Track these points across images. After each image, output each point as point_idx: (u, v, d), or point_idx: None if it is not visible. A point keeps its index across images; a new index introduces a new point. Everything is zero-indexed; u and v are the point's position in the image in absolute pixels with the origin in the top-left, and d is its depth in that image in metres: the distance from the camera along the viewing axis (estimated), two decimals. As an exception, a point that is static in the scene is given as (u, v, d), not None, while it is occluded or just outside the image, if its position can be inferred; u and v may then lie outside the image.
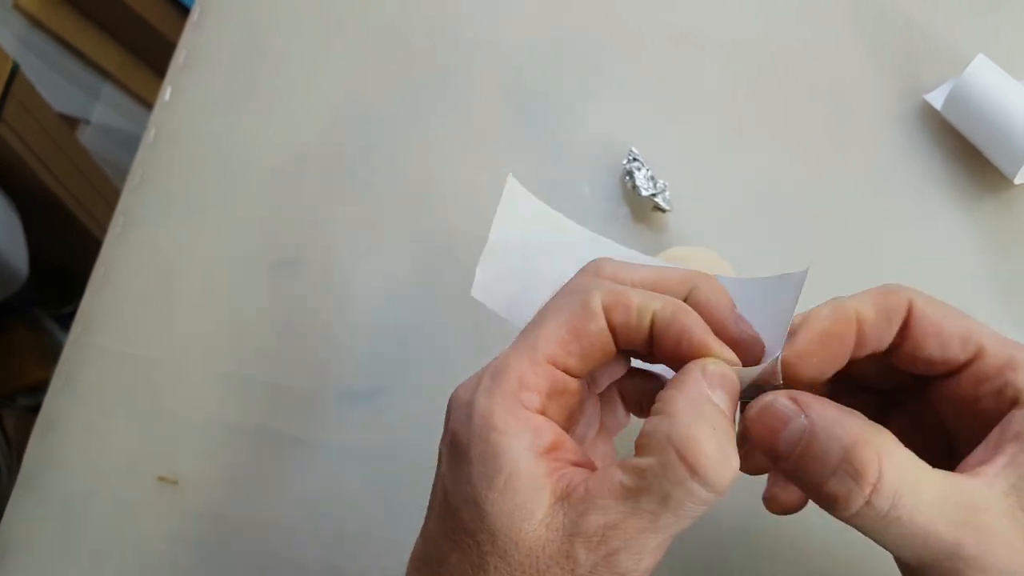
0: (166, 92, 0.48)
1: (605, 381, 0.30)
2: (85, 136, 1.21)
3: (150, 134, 0.47)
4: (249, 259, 0.45)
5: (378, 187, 0.46)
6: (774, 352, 0.27)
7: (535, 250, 0.33)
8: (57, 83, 1.18)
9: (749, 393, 0.27)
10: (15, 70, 0.97)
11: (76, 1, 1.16)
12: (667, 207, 0.44)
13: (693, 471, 0.23)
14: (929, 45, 0.48)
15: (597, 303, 0.26)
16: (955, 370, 0.27)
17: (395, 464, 0.41)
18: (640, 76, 0.48)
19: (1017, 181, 0.45)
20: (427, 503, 0.29)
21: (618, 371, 0.30)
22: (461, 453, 0.25)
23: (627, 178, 0.45)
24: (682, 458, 0.23)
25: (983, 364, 0.26)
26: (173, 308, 0.44)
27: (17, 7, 1.10)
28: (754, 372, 0.27)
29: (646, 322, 0.26)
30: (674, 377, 0.26)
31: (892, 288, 0.28)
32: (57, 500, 0.41)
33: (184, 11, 1.20)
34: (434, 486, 0.28)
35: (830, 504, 0.24)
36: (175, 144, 0.47)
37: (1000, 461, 0.24)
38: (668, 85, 0.48)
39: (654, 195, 0.44)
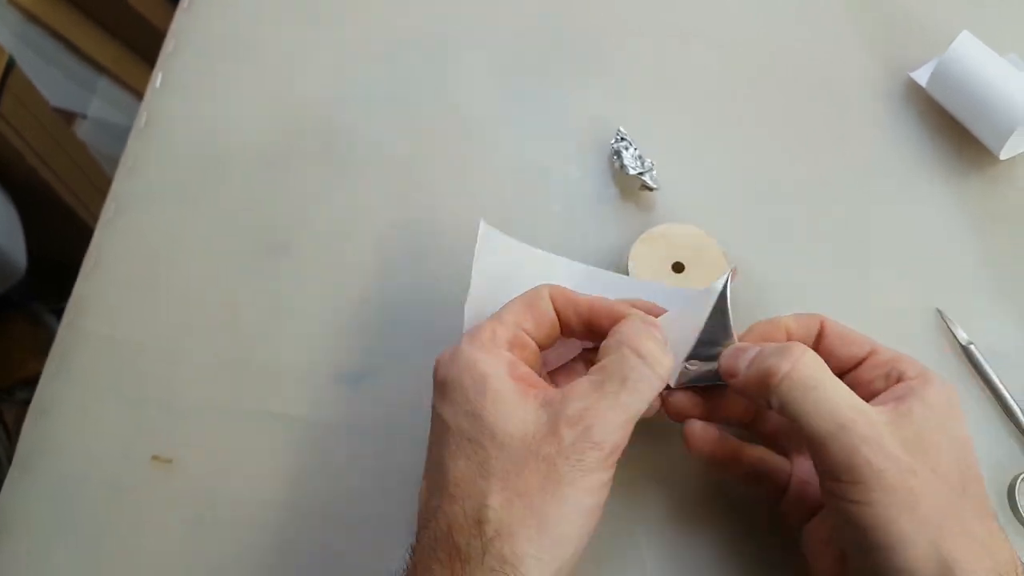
0: (157, 78, 0.49)
1: (555, 362, 0.38)
2: (82, 130, 1.21)
3: (141, 120, 0.48)
4: (239, 243, 0.45)
5: (367, 169, 0.46)
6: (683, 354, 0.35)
7: (513, 285, 0.37)
8: (54, 77, 1.18)
9: (696, 381, 0.36)
10: (11, 64, 0.97)
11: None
12: (654, 185, 0.45)
13: (641, 356, 0.32)
14: (913, 23, 0.49)
15: (545, 292, 0.36)
16: (856, 364, 0.35)
17: (384, 442, 0.41)
18: (627, 58, 0.49)
19: (1002, 156, 0.45)
20: (416, 477, 0.33)
21: (567, 355, 0.38)
22: (455, 386, 0.32)
23: (615, 157, 0.45)
24: (633, 350, 0.32)
25: (876, 358, 0.35)
26: (165, 292, 0.44)
27: (12, 2, 1.10)
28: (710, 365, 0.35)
29: (583, 308, 0.35)
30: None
31: (808, 313, 0.37)
32: (52, 482, 0.41)
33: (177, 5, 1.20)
34: (432, 430, 0.34)
35: (766, 378, 0.32)
36: (166, 130, 0.48)
37: (887, 407, 0.32)
38: (655, 66, 0.49)
39: (641, 174, 0.44)
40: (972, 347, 0.42)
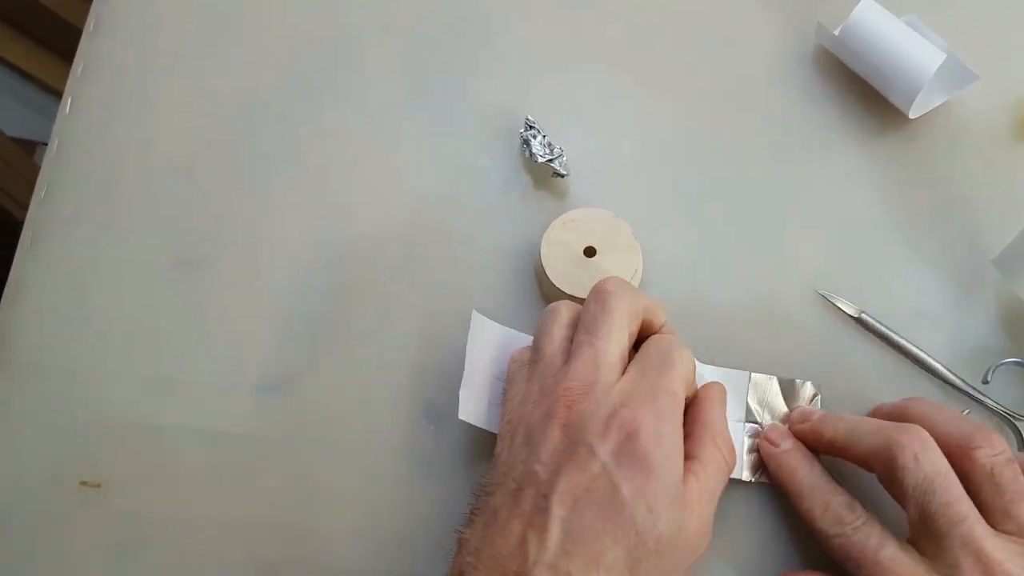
0: (67, 104, 0.49)
1: None
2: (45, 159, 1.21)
3: (53, 146, 0.48)
4: (156, 260, 0.45)
5: (276, 177, 0.46)
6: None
7: (503, 367, 0.39)
8: (9, 107, 1.19)
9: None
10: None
11: (13, 19, 1.16)
12: (564, 172, 0.44)
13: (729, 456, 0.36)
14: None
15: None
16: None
17: (307, 452, 0.41)
18: (529, 44, 0.49)
19: (912, 115, 0.45)
20: (338, 484, 0.39)
21: None
22: (650, 468, 0.33)
23: (524, 146, 0.45)
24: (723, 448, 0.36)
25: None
26: (85, 316, 0.44)
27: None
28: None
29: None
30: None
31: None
32: (-17, 516, 0.41)
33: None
34: (578, 466, 0.33)
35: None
36: (77, 154, 0.47)
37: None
38: (557, 50, 0.49)
39: (551, 160, 0.44)
40: (864, 316, 0.42)
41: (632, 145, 0.46)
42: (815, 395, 0.41)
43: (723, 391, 0.39)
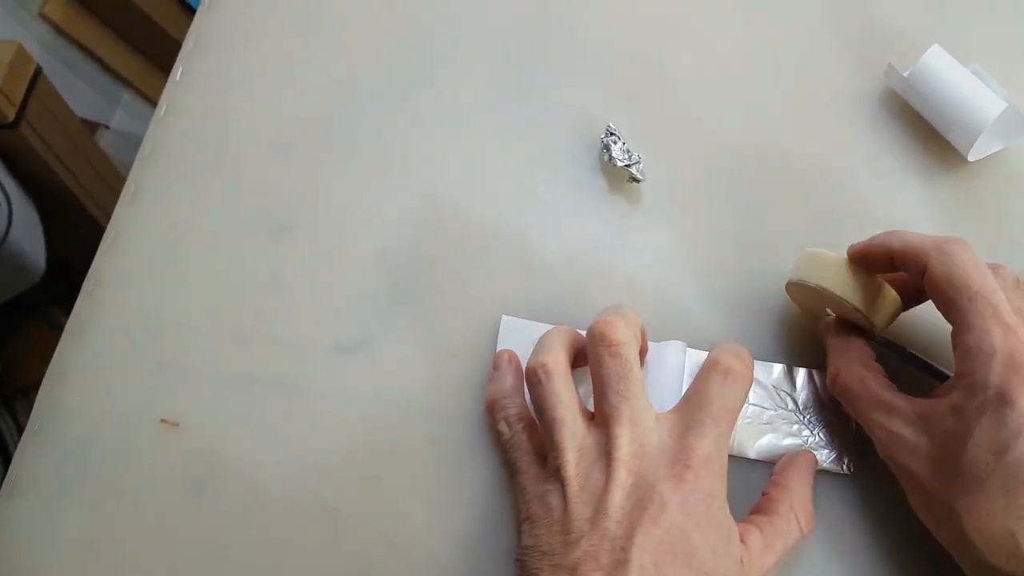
0: (177, 72, 0.52)
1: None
2: (104, 140, 1.26)
3: (161, 109, 0.51)
4: (248, 224, 0.48)
5: (366, 159, 0.49)
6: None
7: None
8: (80, 89, 1.23)
9: None
10: (38, 72, 1.01)
11: (98, 11, 1.21)
12: (641, 177, 0.47)
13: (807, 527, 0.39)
14: (889, 35, 0.52)
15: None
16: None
17: (377, 409, 0.44)
18: (618, 57, 0.52)
19: (970, 158, 0.48)
20: (404, 441, 0.42)
21: None
22: (709, 531, 0.35)
23: (604, 151, 0.48)
24: (802, 520, 0.38)
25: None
26: (178, 267, 0.47)
27: (43, 15, 1.15)
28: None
29: None
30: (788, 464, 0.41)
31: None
32: (64, 443, 0.44)
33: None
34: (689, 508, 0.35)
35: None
36: (183, 119, 0.51)
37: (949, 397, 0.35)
38: (643, 66, 0.52)
39: (628, 166, 0.47)
40: (909, 349, 0.44)
41: (702, 160, 0.49)
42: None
43: (812, 461, 0.41)
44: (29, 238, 1.04)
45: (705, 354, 0.43)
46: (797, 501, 0.38)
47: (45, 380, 0.46)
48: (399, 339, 0.45)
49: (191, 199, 0.49)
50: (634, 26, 0.53)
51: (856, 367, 0.39)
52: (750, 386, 0.39)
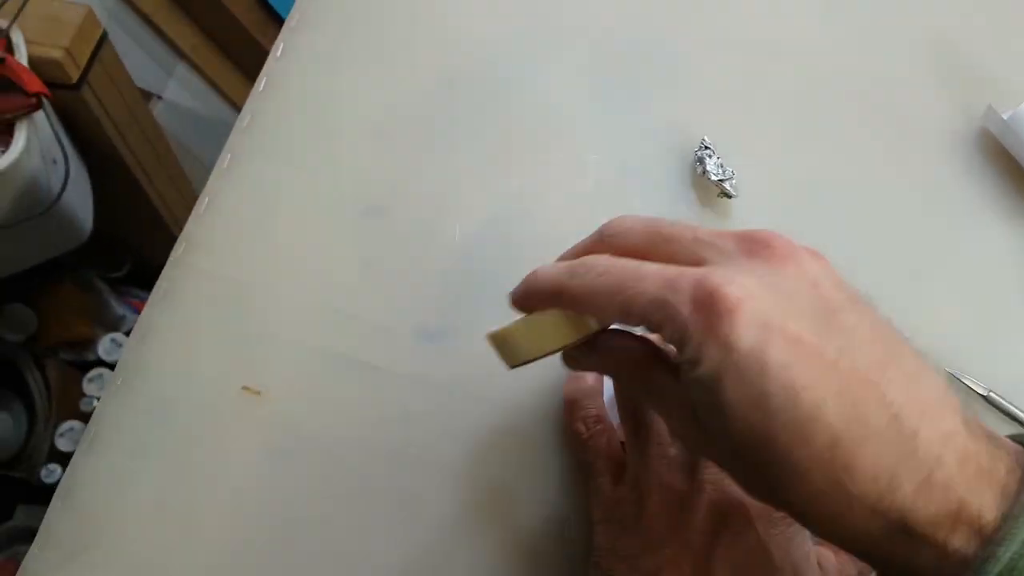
0: (278, 48, 0.53)
1: None
2: (157, 110, 1.27)
3: (260, 84, 0.51)
4: (341, 203, 0.48)
5: (462, 151, 0.50)
6: None
7: None
8: (138, 57, 1.24)
9: None
10: (103, 38, 1.02)
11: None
12: (734, 193, 0.48)
13: None
14: (992, 76, 0.52)
15: None
16: None
17: (457, 397, 0.44)
18: (716, 75, 0.52)
19: (1062, 206, 0.48)
20: (482, 426, 0.40)
21: None
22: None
23: (698, 164, 0.49)
24: None
25: None
26: (269, 240, 0.48)
27: (109, -19, 1.16)
28: None
29: None
30: None
31: None
32: (146, 402, 0.44)
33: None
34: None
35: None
36: (282, 95, 0.51)
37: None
38: (741, 81, 0.52)
39: (722, 180, 0.48)
40: (992, 394, 0.45)
41: (795, 184, 0.50)
42: None
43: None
44: (80, 200, 1.05)
45: None
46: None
47: (131, 337, 0.46)
48: (481, 331, 0.46)
49: (285, 174, 0.49)
50: (738, 43, 0.53)
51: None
52: None
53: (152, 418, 0.44)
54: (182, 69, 1.33)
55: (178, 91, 1.32)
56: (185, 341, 0.45)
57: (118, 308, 1.25)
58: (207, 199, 0.49)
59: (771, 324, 0.26)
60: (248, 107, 0.51)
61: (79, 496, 0.43)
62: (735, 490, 0.36)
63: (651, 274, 0.28)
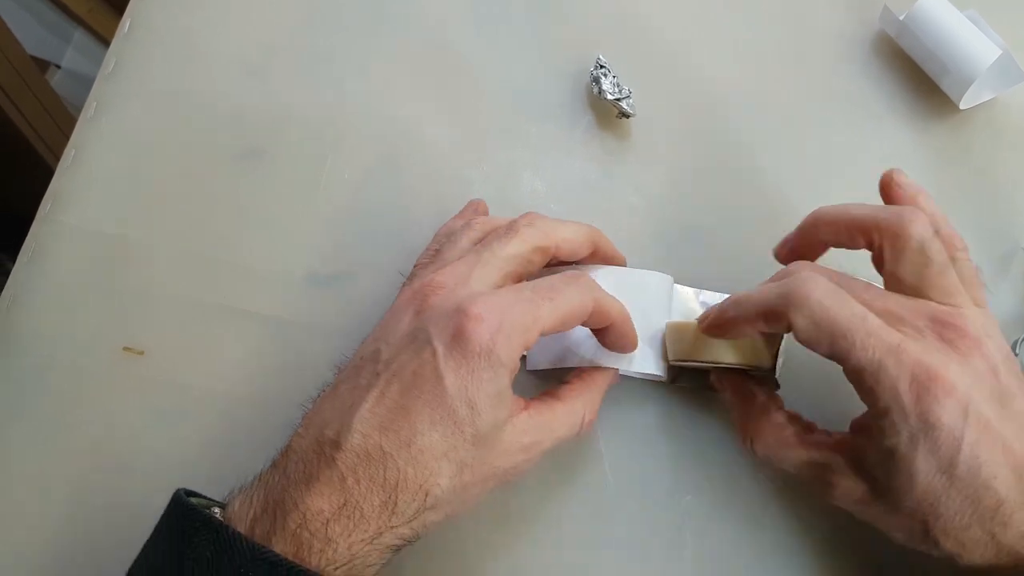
0: (143, -13, 0.49)
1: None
2: (55, 80, 1.20)
3: (124, 25, 0.48)
4: (217, 148, 0.45)
5: (342, 86, 0.47)
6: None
7: None
8: (31, 25, 1.17)
9: None
10: (-14, 5, 0.96)
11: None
12: (632, 112, 0.46)
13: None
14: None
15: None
16: None
17: (355, 340, 0.42)
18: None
19: (962, 106, 0.47)
20: None
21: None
22: (483, 379, 0.32)
23: (593, 85, 0.46)
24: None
25: None
26: (141, 190, 0.45)
27: (-10, -56, 1.09)
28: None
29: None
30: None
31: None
32: (19, 369, 0.41)
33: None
34: (412, 364, 0.33)
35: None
36: (148, 36, 0.48)
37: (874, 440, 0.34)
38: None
39: (619, 100, 0.46)
40: None
41: (691, 96, 0.48)
42: None
43: (612, 377, 0.39)
44: (-26, 176, 0.99)
45: (692, 291, 0.42)
46: (590, 400, 0.38)
47: (-1, 302, 0.43)
48: (374, 274, 0.43)
49: (155, 120, 0.46)
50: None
51: (767, 429, 0.37)
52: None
53: (24, 385, 0.41)
54: (80, 35, 1.26)
55: (77, 59, 1.25)
56: (58, 303, 0.43)
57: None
58: (73, 151, 0.45)
59: (970, 409, 0.31)
60: (112, 51, 0.48)
61: (-48, 475, 0.40)
62: (440, 301, 0.35)
63: (876, 330, 0.33)
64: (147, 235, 0.44)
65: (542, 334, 0.33)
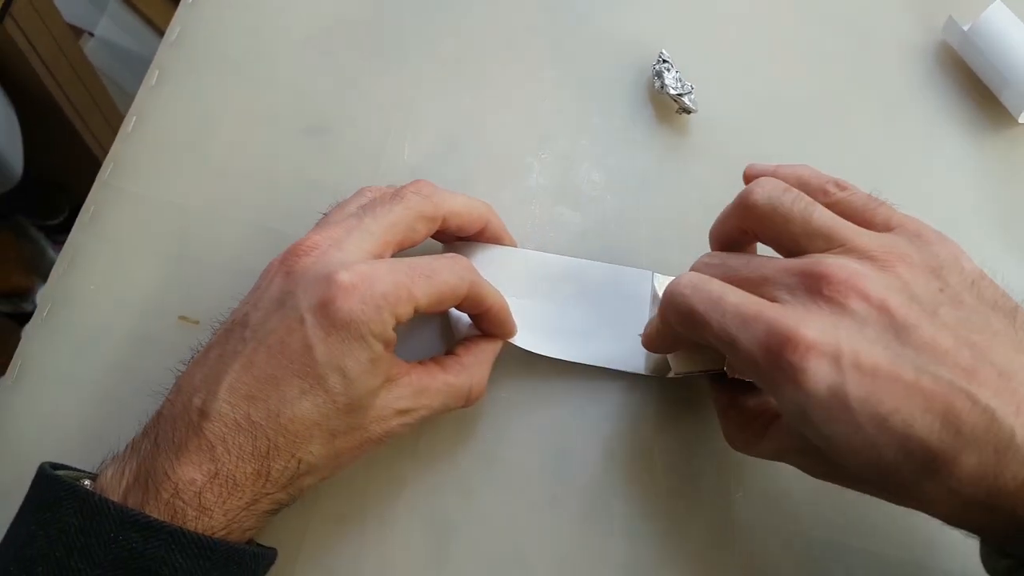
0: (208, -43, 0.49)
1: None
2: (88, 48, 1.20)
3: (190, -4, 0.48)
4: (279, 121, 0.46)
5: (410, 67, 0.47)
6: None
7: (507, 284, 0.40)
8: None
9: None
10: (26, -31, 0.96)
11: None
12: (694, 108, 0.46)
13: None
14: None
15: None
16: None
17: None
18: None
19: (1021, 120, 0.48)
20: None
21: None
22: (356, 346, 0.32)
23: (656, 79, 0.47)
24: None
25: None
26: (202, 160, 0.45)
27: (32, -92, 1.09)
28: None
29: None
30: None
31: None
32: (75, 332, 0.42)
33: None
34: (286, 336, 0.32)
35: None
36: (214, 5, 0.48)
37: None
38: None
39: (681, 95, 0.46)
40: None
41: (755, 98, 0.48)
42: None
43: (499, 349, 0.39)
44: (7, 139, 0.99)
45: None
46: (477, 370, 0.37)
47: (56, 265, 0.43)
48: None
49: (219, 91, 0.46)
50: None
51: (731, 429, 0.36)
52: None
53: (81, 350, 0.41)
54: (115, 5, 1.26)
55: (111, 28, 1.25)
56: (115, 268, 0.43)
57: (56, 256, 1.20)
58: (134, 118, 0.46)
59: (843, 360, 0.27)
60: (177, 19, 0.48)
61: (6, 431, 0.40)
62: (309, 264, 0.34)
63: (734, 307, 0.30)
64: (207, 205, 0.44)
65: (417, 311, 0.33)
